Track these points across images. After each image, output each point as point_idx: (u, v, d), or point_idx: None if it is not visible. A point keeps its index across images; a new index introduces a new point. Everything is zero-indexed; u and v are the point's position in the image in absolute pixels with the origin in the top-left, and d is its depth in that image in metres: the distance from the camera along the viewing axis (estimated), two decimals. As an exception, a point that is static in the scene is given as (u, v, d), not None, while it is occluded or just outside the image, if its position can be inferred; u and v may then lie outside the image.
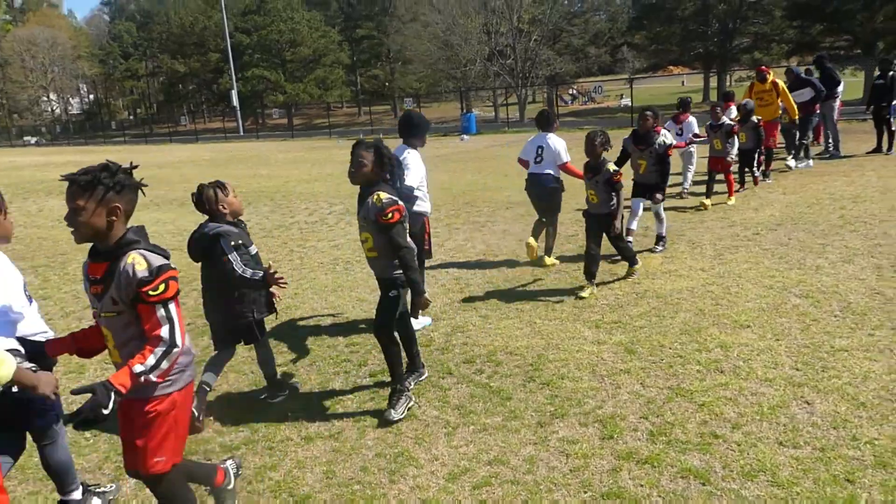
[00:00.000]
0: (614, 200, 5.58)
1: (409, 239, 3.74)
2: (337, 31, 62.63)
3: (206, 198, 3.83)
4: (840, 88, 13.39)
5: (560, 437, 3.46)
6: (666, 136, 6.66)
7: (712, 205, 8.87)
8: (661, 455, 3.22)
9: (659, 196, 6.69)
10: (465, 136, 24.12)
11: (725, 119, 8.97)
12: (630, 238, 6.74)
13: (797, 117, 11.04)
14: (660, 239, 6.97)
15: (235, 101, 49.66)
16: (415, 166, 4.89)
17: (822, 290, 5.24)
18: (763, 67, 11.35)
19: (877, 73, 12.67)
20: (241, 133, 48.92)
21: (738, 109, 10.02)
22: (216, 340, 4.07)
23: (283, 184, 15.35)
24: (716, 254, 6.56)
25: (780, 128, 11.29)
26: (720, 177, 9.14)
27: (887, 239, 6.56)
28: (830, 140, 12.95)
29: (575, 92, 58.10)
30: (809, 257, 6.16)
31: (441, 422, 3.74)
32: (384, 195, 3.61)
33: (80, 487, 3.11)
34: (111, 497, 3.23)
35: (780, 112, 10.91)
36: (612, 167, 5.55)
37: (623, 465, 3.18)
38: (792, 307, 4.94)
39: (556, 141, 6.51)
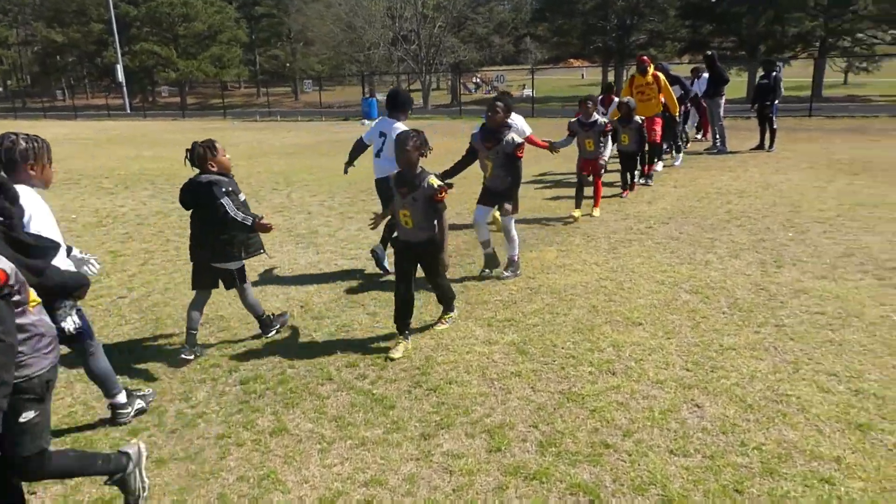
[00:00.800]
0: (437, 226, 4.26)
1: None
2: (234, 7, 59.78)
3: (196, 156, 4.13)
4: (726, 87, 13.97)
5: (444, 451, 3.19)
6: (515, 134, 5.44)
7: (604, 198, 8.92)
8: (551, 469, 3.00)
9: (508, 207, 5.47)
10: (367, 121, 23.54)
11: (598, 116, 7.86)
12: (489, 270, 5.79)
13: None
14: (511, 263, 5.69)
15: (121, 77, 46.35)
16: None
17: (710, 286, 5.26)
18: (643, 57, 10.29)
19: (761, 72, 13.26)
20: (129, 111, 45.77)
21: (619, 107, 9.11)
22: (196, 282, 4.39)
23: (167, 166, 14.28)
24: (610, 247, 6.53)
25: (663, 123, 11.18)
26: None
27: (769, 234, 6.75)
28: (717, 136, 13.46)
29: (479, 80, 58.49)
30: (699, 252, 6.22)
31: (316, 436, 3.38)
32: (436, 180, 4.20)
33: (124, 391, 3.57)
34: (150, 399, 3.75)
35: (662, 108, 10.40)
36: (434, 181, 4.15)
37: (510, 481, 2.94)
38: (682, 303, 4.91)
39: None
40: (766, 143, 13.26)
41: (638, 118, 8.99)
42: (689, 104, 13.79)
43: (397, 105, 5.85)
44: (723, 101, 13.08)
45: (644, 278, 5.51)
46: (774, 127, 13.12)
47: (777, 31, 35.49)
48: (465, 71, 50.03)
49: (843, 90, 39.24)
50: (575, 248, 6.58)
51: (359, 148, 6.16)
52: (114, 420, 3.54)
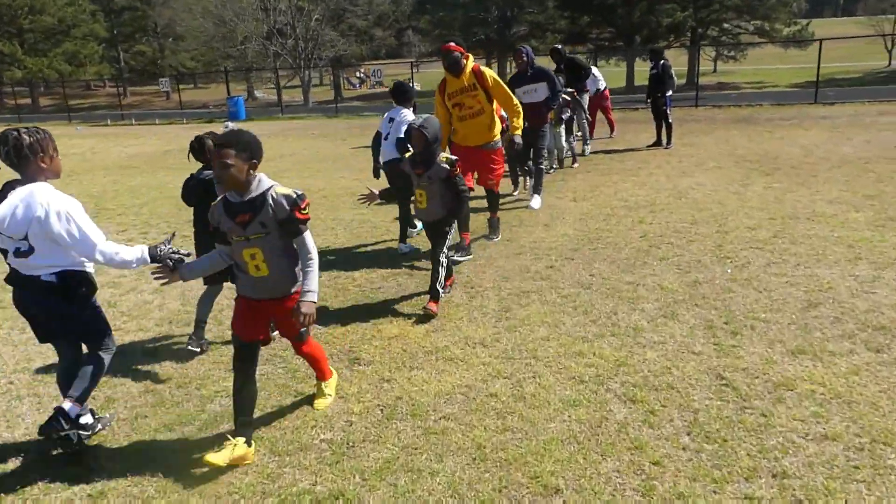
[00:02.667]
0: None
1: None
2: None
3: (207, 148, 4.02)
4: (589, 80, 12.72)
5: None
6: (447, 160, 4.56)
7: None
8: None
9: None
10: (230, 123, 20.71)
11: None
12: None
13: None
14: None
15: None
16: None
17: (651, 384, 3.51)
18: (449, 45, 5.95)
19: (650, 63, 12.00)
20: (-46, 114, 39.86)
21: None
22: (206, 278, 3.98)
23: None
24: (501, 308, 4.68)
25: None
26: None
27: (703, 271, 5.18)
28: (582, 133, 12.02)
29: (362, 75, 56.16)
30: (622, 309, 4.51)
31: None
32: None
33: (90, 411, 3.29)
34: (108, 423, 3.37)
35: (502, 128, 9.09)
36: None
37: None
38: (617, 430, 3.09)
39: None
40: (664, 139, 12.06)
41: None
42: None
43: (403, 95, 6.36)
44: (586, 95, 11.72)
45: (554, 372, 3.69)
46: (670, 121, 11.92)
47: (651, 21, 35.91)
48: (346, 65, 47.71)
49: (713, 78, 40.33)
50: (453, 311, 4.69)
51: (378, 141, 6.46)
52: (48, 428, 2.96)
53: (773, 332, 4.02)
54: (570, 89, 10.24)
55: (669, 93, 11.75)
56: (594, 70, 13.15)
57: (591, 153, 11.74)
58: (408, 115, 6.14)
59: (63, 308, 2.92)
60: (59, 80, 51.82)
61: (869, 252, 5.44)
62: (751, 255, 5.55)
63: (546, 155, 8.14)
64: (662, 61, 11.65)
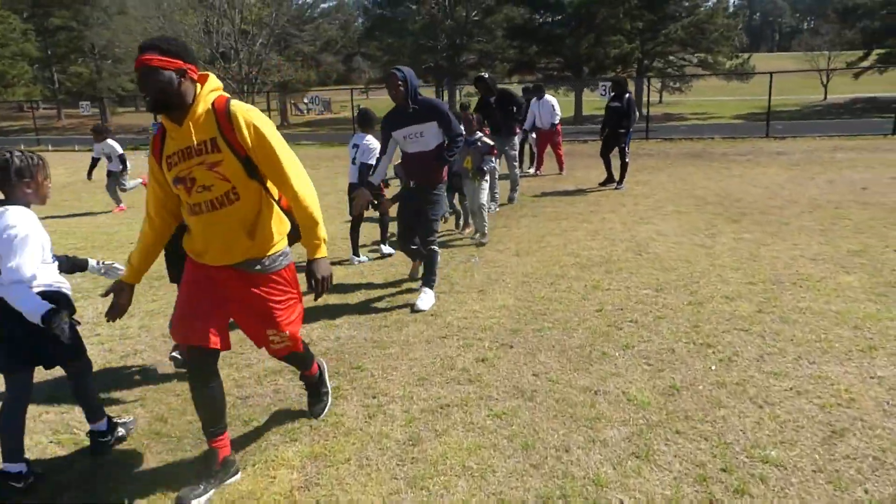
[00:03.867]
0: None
1: None
2: (23, 18, 51.51)
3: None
4: (542, 113, 11.68)
5: None
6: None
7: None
8: None
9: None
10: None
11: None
12: None
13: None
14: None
15: None
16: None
17: None
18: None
19: (611, 94, 10.89)
20: None
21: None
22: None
23: None
24: (407, 439, 3.28)
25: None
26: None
27: (681, 369, 3.94)
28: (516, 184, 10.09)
29: (309, 101, 54.71)
30: (576, 443, 3.18)
31: None
32: None
33: (106, 418, 3.32)
34: (131, 428, 3.47)
35: None
36: None
37: None
38: None
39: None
40: (616, 177, 11.02)
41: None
42: (525, 130, 11.37)
43: (367, 122, 6.66)
44: (516, 138, 9.71)
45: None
46: (627, 160, 10.87)
47: (599, 52, 35.84)
48: (293, 91, 46.19)
49: (659, 108, 40.42)
50: (338, 445, 3.28)
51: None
52: (94, 448, 3.27)
53: (795, 489, 2.76)
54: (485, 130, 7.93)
55: (630, 129, 10.73)
56: (551, 100, 12.13)
57: (540, 194, 10.59)
58: (372, 141, 6.47)
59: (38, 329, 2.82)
60: (-14, 102, 48.83)
61: (882, 337, 4.30)
62: (736, 340, 4.34)
63: (435, 233, 5.34)
64: (627, 94, 10.54)
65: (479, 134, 7.39)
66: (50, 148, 25.98)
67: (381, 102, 44.85)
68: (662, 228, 7.76)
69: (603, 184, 11.18)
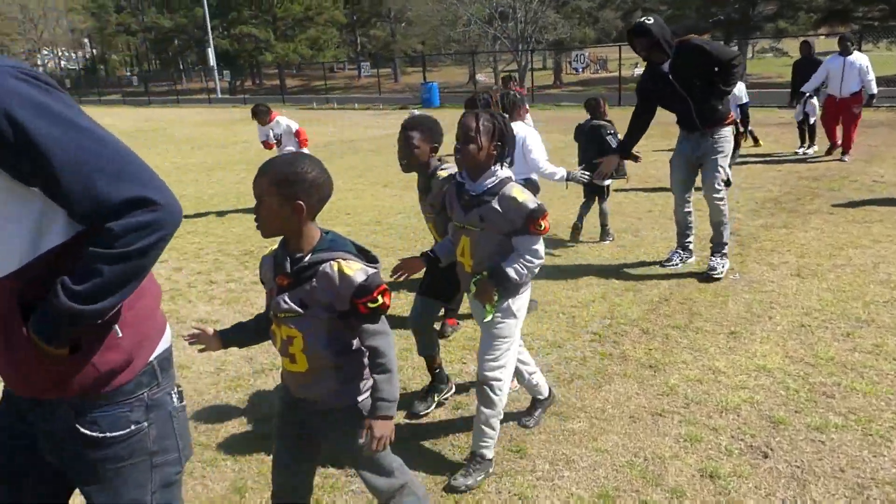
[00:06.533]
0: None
1: None
2: (330, -15, 58.85)
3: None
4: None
5: None
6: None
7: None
8: None
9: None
10: (416, 111, 20.38)
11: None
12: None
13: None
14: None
15: (212, 60, 45.79)
16: None
17: None
18: None
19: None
20: (219, 95, 45.09)
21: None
22: None
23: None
24: None
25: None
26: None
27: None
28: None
29: (586, 59, 53.68)
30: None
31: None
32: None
33: None
34: None
35: None
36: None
37: None
38: None
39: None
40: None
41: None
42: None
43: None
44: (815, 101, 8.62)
45: None
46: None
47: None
48: (568, 49, 45.67)
49: None
50: None
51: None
52: None
53: None
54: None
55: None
56: (861, 60, 9.72)
57: (838, 179, 9.01)
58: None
59: None
60: (301, 64, 57.01)
61: None
62: None
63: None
64: None
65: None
66: (335, 105, 29.33)
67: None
68: None
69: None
